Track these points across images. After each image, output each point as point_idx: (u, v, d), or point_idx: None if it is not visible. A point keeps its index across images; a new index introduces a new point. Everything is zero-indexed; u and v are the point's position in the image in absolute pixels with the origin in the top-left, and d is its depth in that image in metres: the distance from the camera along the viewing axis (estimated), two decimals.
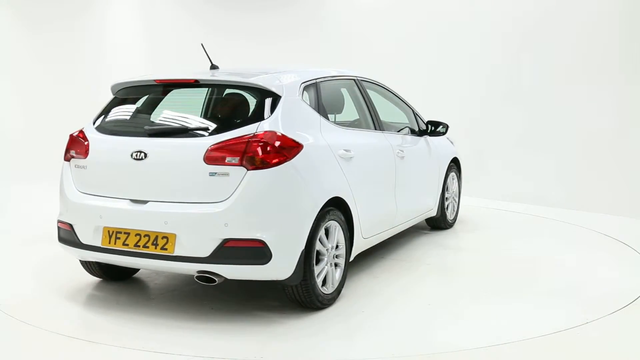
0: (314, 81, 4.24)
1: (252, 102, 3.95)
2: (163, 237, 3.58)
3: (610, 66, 7.32)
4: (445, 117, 5.83)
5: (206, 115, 4.26)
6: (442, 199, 5.87)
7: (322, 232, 3.82)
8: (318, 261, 3.83)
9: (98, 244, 3.79)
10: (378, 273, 4.70)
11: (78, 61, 10.81)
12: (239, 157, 3.50)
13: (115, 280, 4.49)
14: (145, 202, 3.68)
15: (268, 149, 3.53)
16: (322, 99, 4.26)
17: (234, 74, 4.16)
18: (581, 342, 3.46)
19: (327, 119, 4.24)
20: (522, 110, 8.07)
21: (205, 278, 3.63)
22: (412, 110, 5.57)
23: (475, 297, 4.23)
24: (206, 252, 3.50)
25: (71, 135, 4.12)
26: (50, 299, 4.20)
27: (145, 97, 4.23)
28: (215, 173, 3.52)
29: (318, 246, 3.79)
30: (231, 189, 3.50)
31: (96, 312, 3.94)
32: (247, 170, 3.49)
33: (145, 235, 3.63)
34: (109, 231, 3.74)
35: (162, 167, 3.66)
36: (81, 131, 4.10)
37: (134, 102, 4.22)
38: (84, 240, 3.87)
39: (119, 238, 3.71)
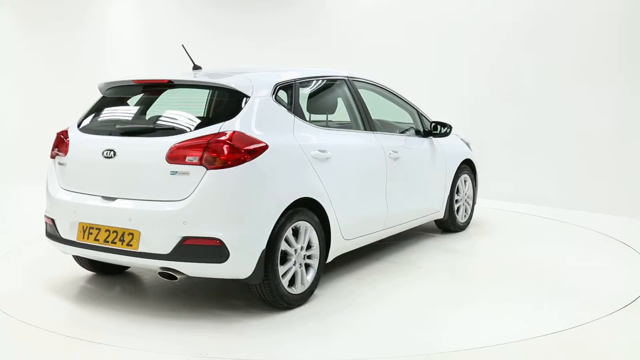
0: (292, 82, 4.24)
1: (220, 102, 3.99)
2: (129, 234, 3.69)
3: (610, 66, 7.32)
4: (445, 117, 5.82)
5: (175, 115, 4.22)
6: (451, 201, 5.79)
7: (288, 233, 3.83)
8: (285, 261, 3.85)
9: (74, 238, 3.94)
10: (365, 275, 4.65)
11: (78, 61, 10.80)
12: (198, 157, 3.56)
13: (107, 274, 4.60)
14: (114, 199, 3.81)
15: (227, 148, 3.57)
16: (301, 99, 4.27)
17: (208, 74, 4.23)
18: (581, 342, 3.46)
19: (305, 119, 4.23)
20: (522, 110, 8.07)
21: (168, 275, 3.70)
22: (417, 111, 5.51)
23: (463, 299, 4.18)
24: (167, 250, 3.58)
25: (57, 134, 4.27)
26: (49, 297, 4.21)
27: (128, 97, 4.33)
28: (177, 172, 3.59)
29: (284, 246, 3.81)
30: (191, 188, 3.56)
31: (86, 309, 3.95)
32: (207, 169, 3.55)
33: (113, 232, 3.75)
34: (83, 226, 3.89)
35: (129, 165, 3.78)
36: (65, 130, 4.24)
37: (117, 101, 4.31)
38: (63, 234, 4.03)
39: (91, 233, 3.85)
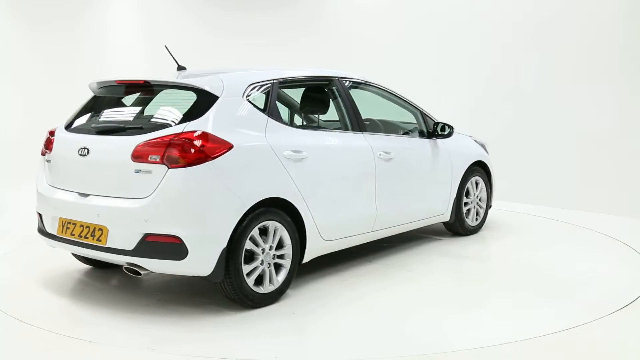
0: (269, 82, 4.25)
1: (190, 102, 4.04)
2: (99, 229, 3.82)
3: (610, 66, 7.33)
4: (445, 117, 5.81)
5: (146, 114, 4.29)
6: (458, 203, 5.66)
7: (254, 232, 3.86)
8: (252, 260, 3.88)
9: (55, 232, 4.11)
10: (349, 277, 4.62)
11: (78, 61, 10.80)
12: (160, 155, 3.64)
13: (102, 267, 4.75)
14: (87, 195, 3.95)
15: (188, 148, 3.63)
16: (279, 99, 4.30)
17: (187, 75, 4.30)
18: (581, 342, 3.46)
19: (281, 120, 4.24)
20: (522, 110, 8.07)
21: (134, 270, 3.81)
22: (420, 112, 5.43)
23: (442, 302, 4.13)
24: (131, 246, 3.69)
25: (48, 132, 4.42)
26: (49, 297, 4.22)
27: (113, 97, 4.40)
28: (140, 170, 3.69)
29: (249, 245, 3.84)
30: (153, 186, 3.64)
31: (86, 308, 3.97)
32: (168, 168, 3.62)
33: (86, 227, 3.89)
34: (62, 221, 4.05)
35: (100, 163, 3.92)
36: (54, 129, 4.39)
37: (102, 101, 4.40)
38: (48, 229, 4.21)
39: (68, 228, 4.01)
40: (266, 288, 3.96)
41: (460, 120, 7.83)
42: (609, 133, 7.34)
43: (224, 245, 3.70)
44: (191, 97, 3.99)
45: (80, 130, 4.20)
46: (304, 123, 5.10)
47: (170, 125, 3.78)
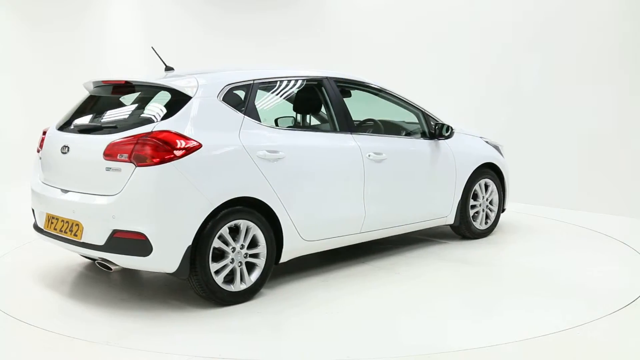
0: (249, 82, 4.28)
1: (164, 102, 4.10)
2: (75, 225, 3.97)
3: (611, 66, 7.32)
4: (445, 117, 5.78)
5: (121, 114, 4.34)
6: (463, 206, 5.54)
7: (224, 231, 3.91)
8: (222, 258, 3.94)
9: (43, 227, 4.29)
10: (333, 278, 4.58)
11: (78, 61, 10.81)
12: (128, 154, 3.74)
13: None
14: (67, 191, 4.10)
15: (154, 147, 3.71)
16: (257, 100, 4.31)
17: (171, 76, 4.37)
18: (581, 342, 3.46)
19: (259, 120, 4.23)
20: (522, 111, 8.07)
21: (105, 265, 3.97)
22: (422, 112, 5.33)
23: (424, 306, 4.05)
24: (101, 241, 3.82)
25: (42, 131, 4.58)
26: (49, 296, 4.23)
27: (103, 96, 4.48)
28: (110, 168, 3.81)
29: (217, 244, 3.89)
30: (122, 184, 3.75)
31: (85, 306, 3.98)
32: (136, 166, 3.71)
33: (66, 222, 4.05)
34: (48, 216, 4.23)
35: (77, 161, 4.07)
36: (48, 127, 4.54)
37: (93, 100, 4.50)
38: (39, 224, 4.39)
39: (52, 223, 4.18)
40: (237, 286, 4.00)
41: (460, 120, 7.82)
42: (609, 133, 7.34)
43: (189, 243, 3.76)
44: (167, 97, 4.07)
45: (65, 129, 4.33)
46: (297, 123, 5.08)
47: (142, 125, 3.86)
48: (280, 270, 4.65)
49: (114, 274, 4.68)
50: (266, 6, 10.25)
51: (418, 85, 8.38)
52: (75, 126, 4.28)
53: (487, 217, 5.84)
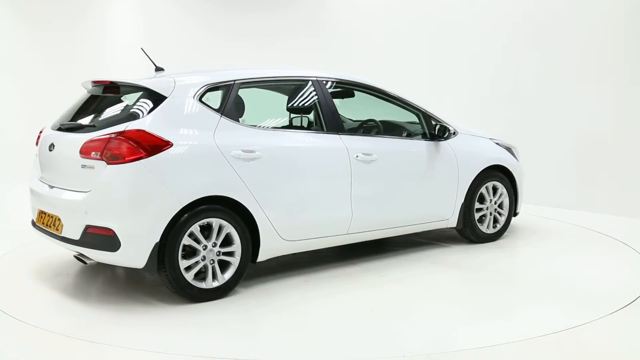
0: (229, 82, 4.33)
1: (141, 102, 4.17)
2: (57, 220, 4.12)
3: (610, 66, 7.32)
4: (446, 117, 5.76)
5: (103, 113, 4.39)
6: (467, 209, 5.39)
7: (194, 229, 3.97)
8: (193, 255, 4.00)
9: (36, 222, 4.45)
10: (316, 279, 4.54)
11: (78, 61, 10.81)
12: (100, 152, 3.86)
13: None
14: (52, 187, 4.26)
15: (124, 145, 3.81)
16: (238, 100, 4.35)
17: (160, 76, 4.43)
18: (581, 342, 3.46)
19: (237, 120, 4.28)
20: (522, 110, 8.07)
21: (81, 259, 4.12)
22: (422, 113, 5.25)
23: (403, 310, 3.97)
24: (77, 236, 3.95)
25: (40, 130, 4.72)
26: (47, 296, 4.23)
27: (97, 95, 4.53)
28: (85, 165, 3.94)
29: (188, 241, 3.95)
30: (94, 181, 3.88)
31: (85, 305, 3.99)
32: (107, 164, 3.83)
33: (50, 217, 4.21)
34: (39, 212, 4.38)
35: (59, 158, 4.23)
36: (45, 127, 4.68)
37: (87, 100, 4.58)
38: (33, 219, 4.53)
39: (42, 217, 4.34)
40: (209, 284, 4.05)
41: (460, 120, 7.83)
42: (609, 133, 7.34)
43: (157, 239, 3.84)
44: (145, 98, 4.15)
45: (55, 127, 4.47)
46: (283, 123, 5.07)
47: (117, 124, 3.96)
48: (264, 269, 4.68)
49: (115, 276, 4.68)
50: (266, 6, 10.26)
51: (418, 85, 8.38)
52: (62, 125, 4.40)
53: (495, 220, 5.68)
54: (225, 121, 4.19)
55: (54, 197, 4.17)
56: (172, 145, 3.89)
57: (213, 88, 4.26)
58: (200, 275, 4.05)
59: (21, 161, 9.60)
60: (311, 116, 4.88)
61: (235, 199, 4.12)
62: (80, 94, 4.73)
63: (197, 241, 4.00)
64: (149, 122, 3.93)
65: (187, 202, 3.91)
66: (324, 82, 4.82)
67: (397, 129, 5.34)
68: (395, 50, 9.23)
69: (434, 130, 5.24)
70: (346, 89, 5.04)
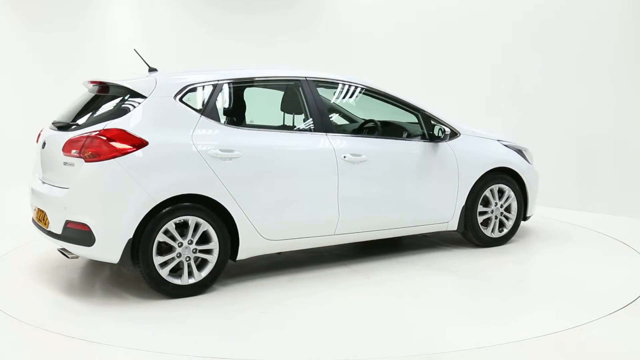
0: (212, 83, 4.40)
1: (121, 102, 4.27)
2: (45, 215, 4.27)
3: (611, 66, 7.32)
4: (446, 117, 5.72)
5: (89, 112, 4.44)
6: (468, 212, 5.26)
7: (169, 226, 4.06)
8: (169, 252, 4.10)
9: (33, 218, 4.58)
10: (300, 278, 4.53)
11: (78, 61, 10.79)
12: (79, 150, 4.00)
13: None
14: (44, 183, 4.41)
15: (100, 144, 3.94)
16: (220, 100, 4.43)
17: (148, 76, 4.48)
18: (581, 342, 3.46)
19: (218, 120, 4.33)
20: (522, 110, 8.07)
21: (64, 253, 4.26)
22: (421, 113, 5.14)
23: (381, 311, 3.94)
24: (59, 230, 4.10)
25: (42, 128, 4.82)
26: (47, 296, 4.24)
27: (94, 95, 4.59)
28: (66, 163, 4.10)
29: (162, 238, 4.05)
30: (74, 178, 4.02)
31: (85, 305, 3.98)
32: (85, 162, 3.96)
33: (41, 212, 4.36)
34: (36, 208, 4.49)
35: (48, 155, 4.37)
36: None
37: (83, 99, 4.66)
38: (32, 214, 4.64)
39: (37, 214, 4.45)
40: (184, 280, 4.13)
41: (460, 120, 7.82)
42: (609, 133, 7.34)
43: (130, 235, 3.95)
44: (126, 97, 4.25)
45: (51, 126, 4.60)
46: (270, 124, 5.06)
47: (98, 123, 4.09)
48: (249, 268, 4.71)
49: (115, 275, 4.68)
50: (266, 6, 10.25)
51: (418, 85, 8.37)
52: (54, 123, 4.54)
53: (502, 224, 5.50)
54: (206, 121, 4.26)
55: (44, 192, 4.31)
56: (147, 143, 3.99)
57: (194, 88, 4.32)
58: (178, 272, 4.13)
59: (21, 161, 9.61)
60: (298, 116, 4.85)
61: (212, 197, 4.17)
62: (81, 93, 4.80)
63: (173, 238, 4.09)
64: (127, 121, 4.04)
65: (161, 199, 4.00)
66: (314, 81, 4.80)
67: (397, 129, 5.26)
68: (396, 50, 9.22)
69: (432, 131, 5.15)
70: (329, 88, 5.00)
